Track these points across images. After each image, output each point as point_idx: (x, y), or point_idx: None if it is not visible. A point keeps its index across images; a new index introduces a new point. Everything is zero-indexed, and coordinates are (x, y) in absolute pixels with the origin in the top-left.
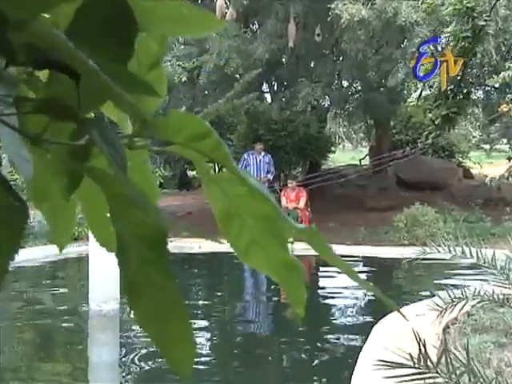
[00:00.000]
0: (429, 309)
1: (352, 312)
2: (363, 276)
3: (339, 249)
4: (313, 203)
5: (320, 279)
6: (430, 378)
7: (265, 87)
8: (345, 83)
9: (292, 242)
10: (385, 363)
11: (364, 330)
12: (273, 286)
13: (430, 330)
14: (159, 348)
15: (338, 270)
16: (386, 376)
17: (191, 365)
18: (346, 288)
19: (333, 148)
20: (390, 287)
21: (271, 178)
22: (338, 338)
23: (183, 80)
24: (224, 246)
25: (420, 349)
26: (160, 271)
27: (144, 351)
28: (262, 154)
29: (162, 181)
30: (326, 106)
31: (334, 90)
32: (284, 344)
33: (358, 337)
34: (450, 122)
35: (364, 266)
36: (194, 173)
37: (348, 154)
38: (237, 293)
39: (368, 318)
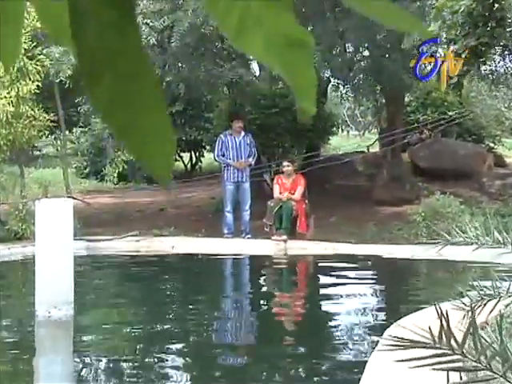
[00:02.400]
0: (453, 308)
1: (359, 318)
2: (372, 280)
3: (343, 248)
4: (311, 195)
5: (321, 282)
6: (453, 361)
7: None
8: (350, 47)
9: (285, 241)
10: (397, 340)
11: (375, 336)
12: (259, 290)
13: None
14: (128, 143)
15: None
16: (398, 359)
17: (170, 161)
18: (351, 291)
19: (334, 129)
20: (405, 291)
21: (253, 163)
22: (344, 347)
23: (151, 43)
24: (201, 247)
25: (442, 325)
26: (126, 37)
27: (102, 363)
28: (242, 133)
29: (125, 166)
30: (327, 77)
31: (335, 55)
32: (276, 358)
33: (366, 343)
34: (479, 57)
35: (373, 267)
36: None
37: (353, 141)
38: (216, 300)
39: (378, 324)
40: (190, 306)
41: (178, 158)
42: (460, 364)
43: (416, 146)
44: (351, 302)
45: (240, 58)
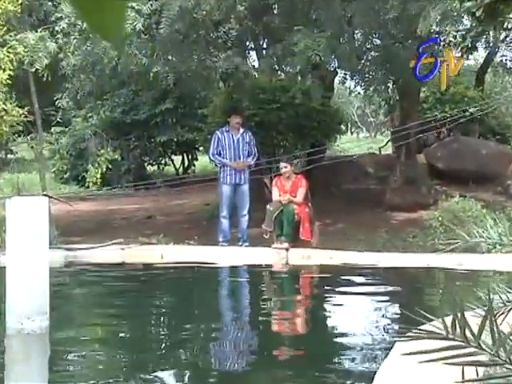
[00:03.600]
0: (471, 315)
1: (370, 336)
2: (384, 292)
3: (351, 257)
4: (316, 199)
5: (327, 295)
6: (469, 354)
7: (249, 41)
8: (358, 34)
9: (287, 249)
10: (407, 330)
11: (384, 352)
12: (258, 304)
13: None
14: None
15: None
16: (405, 352)
17: (122, 25)
18: (361, 304)
19: (342, 127)
20: (421, 303)
21: (253, 163)
22: (354, 369)
23: (138, 29)
24: (193, 256)
25: (455, 314)
26: None
27: (82, 381)
28: (241, 130)
29: (109, 166)
30: (333, 68)
31: (342, 42)
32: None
33: (377, 365)
34: (495, 16)
35: (385, 278)
36: (155, 168)
37: (363, 144)
38: (210, 316)
39: (391, 341)
40: (181, 322)
41: (168, 161)
42: (476, 358)
43: (433, 145)
44: (361, 317)
45: (237, 46)
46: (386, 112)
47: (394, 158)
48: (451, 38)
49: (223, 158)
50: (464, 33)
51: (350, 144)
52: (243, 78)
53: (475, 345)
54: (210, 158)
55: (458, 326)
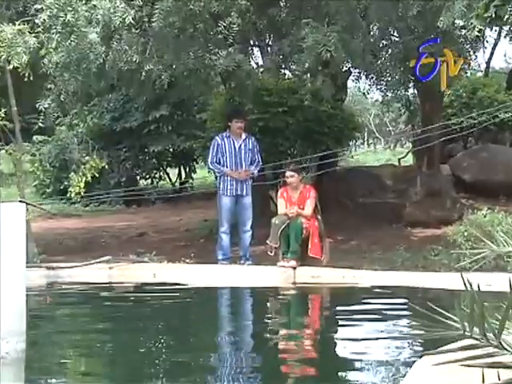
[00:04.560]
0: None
1: (386, 366)
2: (403, 316)
3: (366, 276)
4: (328, 212)
5: (339, 319)
6: (489, 355)
7: (252, 37)
8: (374, 28)
9: (294, 268)
10: (422, 324)
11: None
12: (262, 330)
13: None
14: None
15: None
16: (424, 353)
17: None
18: (377, 329)
19: (356, 133)
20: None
21: (256, 172)
22: None
23: (128, 22)
24: (190, 276)
25: (473, 308)
26: None
27: None
28: (243, 136)
29: (96, 175)
30: (346, 67)
31: (356, 37)
32: None
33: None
34: None
35: (404, 300)
36: (149, 181)
37: (381, 156)
38: (209, 343)
39: (405, 359)
40: (175, 351)
41: (163, 174)
42: (497, 359)
43: (458, 155)
44: (377, 344)
45: (239, 42)
46: (407, 119)
47: (415, 169)
48: (476, 33)
49: (223, 166)
50: (487, 2)
51: (366, 155)
52: (246, 78)
53: (495, 344)
54: (208, 167)
55: (477, 323)
